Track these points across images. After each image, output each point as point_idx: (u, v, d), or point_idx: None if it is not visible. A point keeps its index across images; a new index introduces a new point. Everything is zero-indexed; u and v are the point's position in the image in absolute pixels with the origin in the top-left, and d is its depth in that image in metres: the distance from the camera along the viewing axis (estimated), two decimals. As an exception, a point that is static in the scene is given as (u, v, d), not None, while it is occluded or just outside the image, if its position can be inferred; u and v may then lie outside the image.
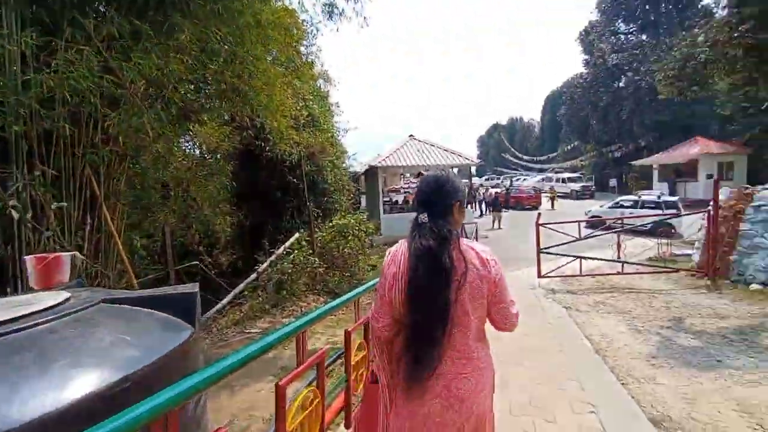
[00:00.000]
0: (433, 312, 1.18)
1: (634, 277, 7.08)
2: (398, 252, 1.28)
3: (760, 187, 6.30)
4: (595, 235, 7.27)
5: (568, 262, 7.23)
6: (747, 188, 6.57)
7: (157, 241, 6.56)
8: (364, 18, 7.26)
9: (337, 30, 8.10)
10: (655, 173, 23.19)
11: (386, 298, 1.26)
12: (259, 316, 5.58)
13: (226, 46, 5.35)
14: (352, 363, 1.84)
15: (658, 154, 23.08)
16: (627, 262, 6.94)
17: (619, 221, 11.21)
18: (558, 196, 25.63)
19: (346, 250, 6.77)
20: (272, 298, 5.93)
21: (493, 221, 16.47)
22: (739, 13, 9.50)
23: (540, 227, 7.10)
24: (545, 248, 7.13)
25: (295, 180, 9.75)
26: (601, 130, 30.64)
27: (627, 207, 15.05)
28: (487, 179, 45.34)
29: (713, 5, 28.41)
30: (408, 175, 30.09)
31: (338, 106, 19.49)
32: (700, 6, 27.93)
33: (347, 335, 1.82)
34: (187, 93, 4.56)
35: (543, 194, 25.17)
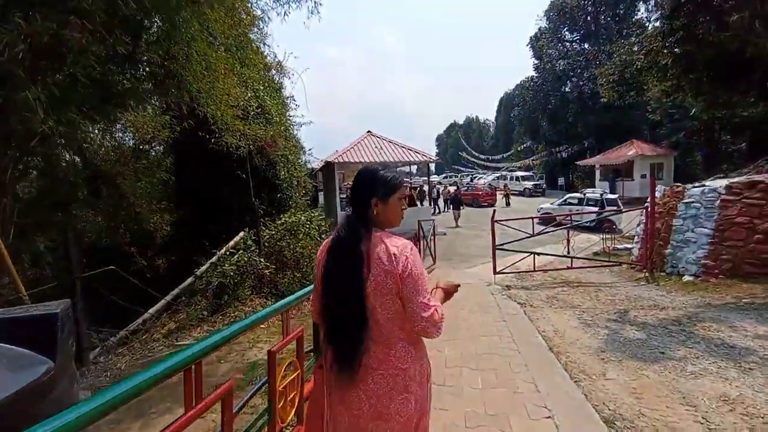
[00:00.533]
0: (342, 302, 1.22)
1: (582, 271, 7.35)
2: (326, 242, 1.34)
3: (690, 185, 6.76)
4: (546, 232, 7.44)
5: (522, 258, 7.34)
6: (678, 186, 7.02)
7: (75, 243, 5.71)
8: (315, 3, 6.84)
9: (285, 15, 7.58)
10: (597, 173, 24.84)
11: (316, 286, 1.36)
12: (195, 324, 5.01)
13: (157, 21, 4.72)
14: (279, 389, 1.52)
15: (599, 155, 24.72)
16: (576, 257, 7.18)
17: (568, 218, 11.77)
18: (512, 193, 26.68)
19: (298, 249, 6.32)
20: (212, 305, 5.37)
21: (455, 219, 16.77)
22: (669, 25, 10.24)
23: (495, 224, 7.13)
24: (500, 245, 7.18)
25: (243, 175, 9.10)
26: (550, 131, 32.31)
27: (574, 204, 15.89)
28: (445, 177, 46.28)
29: (646, 20, 31.18)
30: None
31: (294, 100, 18.80)
32: (634, 19, 30.29)
33: (271, 357, 1.50)
34: (108, 72, 3.93)
35: (498, 192, 26.03)
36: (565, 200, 16.49)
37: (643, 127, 26.91)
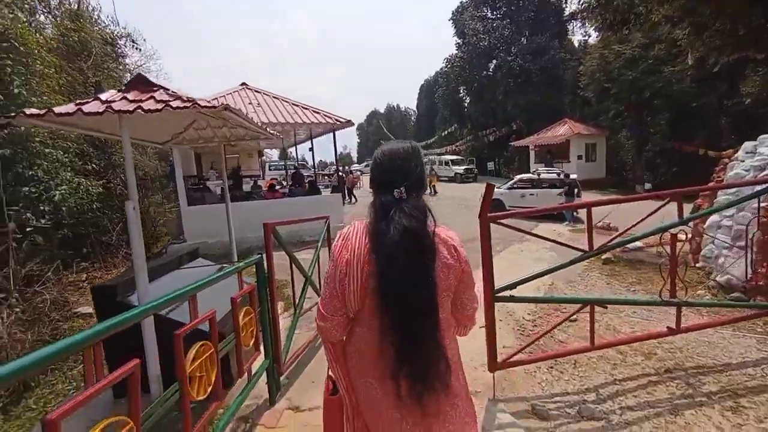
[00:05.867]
0: (417, 306, 0.96)
1: (691, 338, 3.09)
2: (351, 234, 1.05)
3: None
4: (611, 247, 2.97)
5: (555, 316, 2.84)
6: None
7: None
8: None
9: None
10: (532, 154, 22.57)
11: (336, 292, 1.04)
12: None
13: None
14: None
15: (533, 136, 22.46)
16: (688, 303, 2.86)
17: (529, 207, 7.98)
18: (440, 179, 23.26)
19: None
20: None
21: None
22: None
23: (493, 227, 2.49)
24: (506, 288, 2.52)
25: None
26: (477, 113, 29.81)
27: (526, 188, 12.51)
28: (367, 165, 42.45)
29: (564, 2, 30.17)
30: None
31: (133, 41, 12.12)
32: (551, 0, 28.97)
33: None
34: None
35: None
36: (515, 183, 13.01)
37: (566, 107, 25.58)
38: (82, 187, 6.45)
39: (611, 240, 2.67)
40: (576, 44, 29.15)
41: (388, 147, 1.10)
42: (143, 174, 10.53)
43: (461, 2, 32.46)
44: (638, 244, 6.71)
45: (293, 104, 9.74)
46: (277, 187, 10.01)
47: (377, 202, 1.02)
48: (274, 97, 10.07)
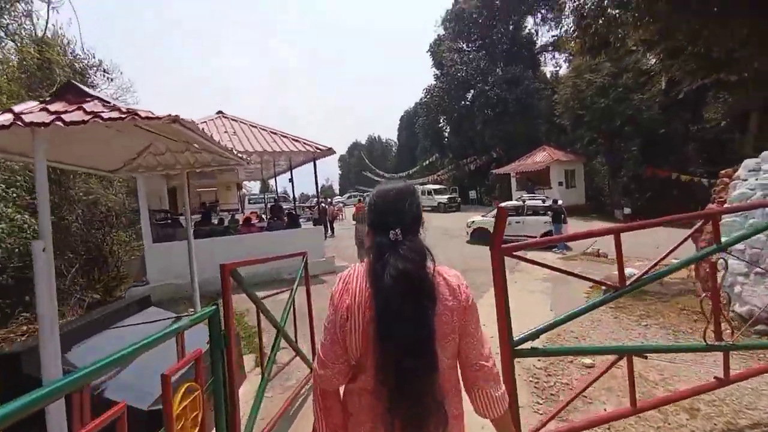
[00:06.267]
0: (412, 347, 0.90)
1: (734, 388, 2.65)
2: (351, 278, 1.03)
3: None
4: (646, 282, 2.56)
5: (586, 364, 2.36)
6: None
7: None
8: None
9: None
10: (513, 181, 22.79)
11: (337, 337, 1.00)
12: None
13: None
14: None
15: (513, 163, 22.77)
16: (737, 347, 2.40)
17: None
18: (424, 209, 22.91)
19: None
20: None
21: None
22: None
23: (509, 261, 2.02)
24: (527, 338, 2.02)
25: None
26: (456, 142, 30.32)
27: (512, 215, 12.31)
28: (349, 197, 42.28)
29: (535, 36, 32.04)
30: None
31: (107, 73, 11.48)
32: (524, 34, 30.76)
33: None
34: None
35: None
36: (500, 210, 12.80)
37: (542, 135, 26.31)
38: (26, 225, 5.71)
39: (646, 272, 2.24)
40: (548, 75, 30.61)
41: (382, 188, 1.09)
42: (107, 209, 9.72)
43: (438, 36, 33.93)
44: (635, 271, 6.42)
45: (272, 132, 9.35)
46: (254, 221, 9.39)
47: (374, 244, 1.00)
48: (251, 126, 9.68)
